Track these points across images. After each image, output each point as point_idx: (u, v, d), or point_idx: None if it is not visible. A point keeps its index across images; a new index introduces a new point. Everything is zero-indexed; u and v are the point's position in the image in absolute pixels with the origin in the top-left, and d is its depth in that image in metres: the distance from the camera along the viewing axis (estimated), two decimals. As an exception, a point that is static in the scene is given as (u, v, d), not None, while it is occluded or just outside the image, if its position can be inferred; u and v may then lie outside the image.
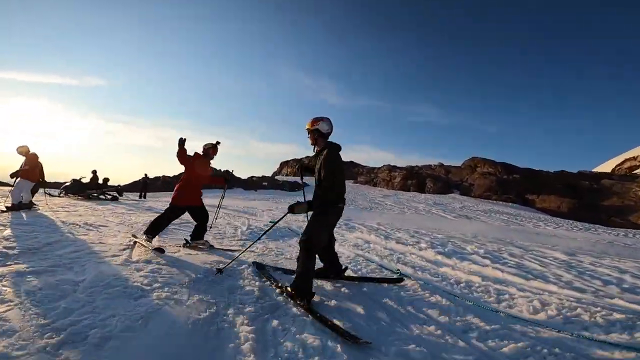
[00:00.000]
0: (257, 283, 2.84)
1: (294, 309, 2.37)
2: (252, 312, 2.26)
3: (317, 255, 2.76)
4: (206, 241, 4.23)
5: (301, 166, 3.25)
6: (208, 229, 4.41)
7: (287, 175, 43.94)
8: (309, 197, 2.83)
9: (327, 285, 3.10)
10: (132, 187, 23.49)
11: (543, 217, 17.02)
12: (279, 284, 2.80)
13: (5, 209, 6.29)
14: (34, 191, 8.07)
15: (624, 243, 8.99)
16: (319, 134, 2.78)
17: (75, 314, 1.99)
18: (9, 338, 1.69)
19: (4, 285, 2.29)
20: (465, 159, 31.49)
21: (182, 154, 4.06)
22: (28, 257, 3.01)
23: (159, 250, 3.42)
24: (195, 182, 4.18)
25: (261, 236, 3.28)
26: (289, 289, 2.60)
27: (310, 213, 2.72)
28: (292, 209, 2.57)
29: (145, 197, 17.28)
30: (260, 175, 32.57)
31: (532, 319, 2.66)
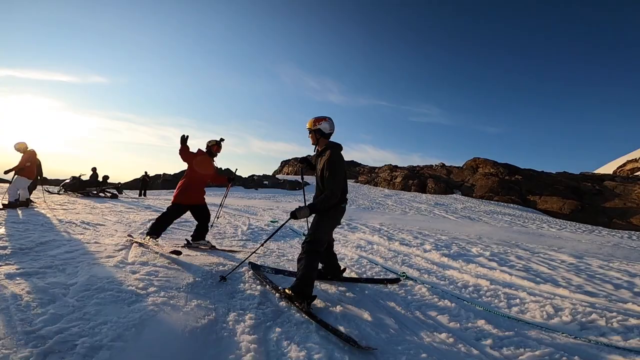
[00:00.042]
0: (258, 287, 2.70)
1: (297, 315, 2.24)
2: (254, 319, 2.13)
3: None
4: (208, 242, 4.09)
5: (305, 161, 3.13)
6: (209, 228, 4.28)
7: (287, 174, 43.82)
8: (309, 196, 2.76)
9: (332, 289, 2.97)
10: (133, 184, 23.37)
11: (545, 219, 16.87)
12: (276, 286, 2.71)
13: (1, 207, 6.16)
14: (31, 189, 7.95)
15: (630, 246, 8.85)
16: (320, 134, 2.71)
17: (63, 321, 1.86)
18: (-10, 347, 1.56)
19: (-10, 288, 2.17)
20: (467, 160, 31.33)
21: (184, 151, 3.94)
22: (19, 257, 2.88)
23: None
24: (199, 180, 4.04)
25: (264, 242, 3.13)
26: (287, 290, 2.52)
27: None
28: (295, 215, 2.49)
29: (145, 195, 17.15)
30: (261, 174, 32.46)
31: (546, 325, 2.57)
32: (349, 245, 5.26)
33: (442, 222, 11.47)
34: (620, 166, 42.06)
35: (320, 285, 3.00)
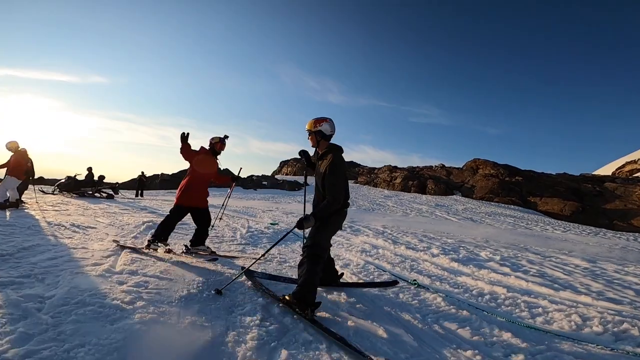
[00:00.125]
0: (259, 299, 2.42)
1: (305, 334, 1.98)
2: (256, 339, 1.86)
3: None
4: (207, 247, 3.79)
5: (305, 154, 3.01)
6: (211, 228, 4.01)
7: (287, 174, 43.53)
8: (309, 196, 2.68)
9: (340, 299, 2.73)
10: (131, 185, 23.01)
11: (548, 221, 16.69)
12: (277, 296, 2.51)
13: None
14: (22, 189, 7.66)
15: (638, 248, 8.66)
16: (321, 135, 2.60)
17: (33, 342, 1.60)
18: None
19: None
20: (467, 161, 31.15)
21: (185, 150, 3.70)
22: (-4, 264, 2.61)
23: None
24: (201, 180, 3.78)
25: (265, 253, 2.87)
26: (287, 297, 2.40)
27: None
28: (302, 225, 2.37)
29: (142, 196, 16.84)
30: (260, 174, 32.16)
31: (578, 336, 2.40)
32: (354, 250, 5.01)
33: (445, 224, 11.25)
34: (619, 167, 42.05)
35: (327, 295, 2.74)
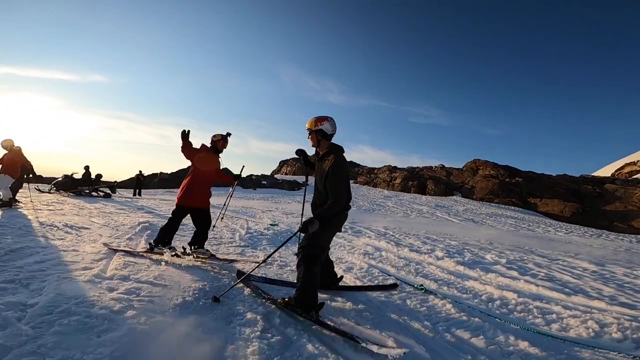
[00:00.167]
0: (259, 308, 2.26)
1: (310, 347, 1.82)
2: (257, 354, 1.70)
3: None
4: (207, 250, 3.61)
5: (302, 153, 2.96)
6: (212, 228, 3.86)
7: (286, 174, 43.35)
8: (310, 196, 2.64)
9: (346, 306, 2.58)
10: (129, 183, 22.76)
11: (549, 222, 16.58)
12: (276, 300, 2.41)
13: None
14: (17, 187, 7.48)
15: (642, 251, 8.55)
16: (322, 135, 2.53)
17: (11, 355, 1.45)
18: None
19: None
20: (467, 161, 31.05)
21: (187, 148, 3.54)
22: (-21, 268, 2.44)
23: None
24: (203, 179, 3.62)
25: (267, 257, 2.72)
26: (285, 299, 2.34)
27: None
28: (306, 229, 2.27)
29: (140, 195, 16.63)
30: (260, 174, 31.98)
31: (597, 344, 2.29)
32: (356, 252, 4.86)
33: (447, 225, 11.12)
34: (619, 169, 42.05)
35: (331, 303, 2.59)
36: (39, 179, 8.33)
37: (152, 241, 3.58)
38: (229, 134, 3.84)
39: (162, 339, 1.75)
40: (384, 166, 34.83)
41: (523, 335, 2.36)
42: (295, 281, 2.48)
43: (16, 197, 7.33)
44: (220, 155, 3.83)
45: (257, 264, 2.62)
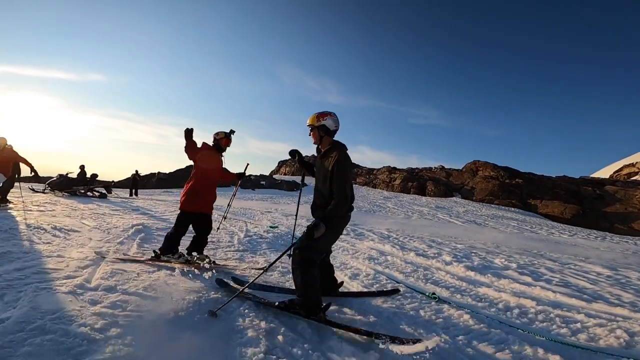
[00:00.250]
0: (262, 324, 2.01)
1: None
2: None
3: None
4: (206, 256, 3.37)
5: (297, 154, 2.87)
6: (217, 230, 3.63)
7: (285, 174, 43.10)
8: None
9: (356, 317, 2.36)
10: (126, 183, 22.44)
11: (551, 224, 16.43)
12: (276, 305, 2.29)
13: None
14: (8, 187, 7.22)
15: (649, 254, 8.38)
16: (325, 131, 2.42)
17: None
18: None
19: None
20: (466, 162, 30.93)
21: (191, 148, 3.32)
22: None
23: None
24: (208, 180, 3.40)
25: (269, 267, 2.50)
26: (286, 301, 2.26)
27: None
28: (312, 233, 2.15)
29: (136, 195, 16.32)
30: (258, 174, 31.71)
31: (632, 355, 2.13)
32: (360, 257, 4.63)
33: (450, 227, 10.92)
34: (617, 170, 42.11)
35: (340, 315, 2.36)
36: (36, 178, 8.11)
37: (157, 249, 3.36)
38: (232, 131, 3.61)
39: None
40: (383, 167, 34.65)
41: (551, 347, 2.19)
42: (294, 287, 2.32)
43: (7, 198, 7.07)
44: (223, 154, 3.62)
45: (257, 276, 2.40)
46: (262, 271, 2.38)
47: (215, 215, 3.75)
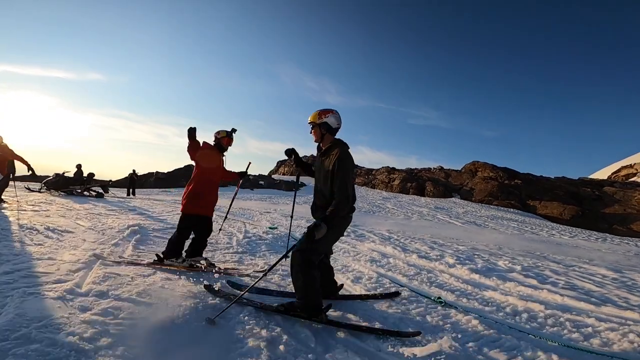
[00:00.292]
0: (263, 332, 1.89)
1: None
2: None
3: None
4: (205, 258, 3.28)
5: (293, 153, 2.77)
6: (219, 232, 3.52)
7: (284, 174, 42.98)
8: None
9: (361, 323, 2.24)
10: (123, 183, 22.24)
11: (551, 225, 16.40)
12: (271, 306, 2.24)
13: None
14: (2, 186, 7.07)
15: (651, 255, 8.33)
16: (326, 128, 2.36)
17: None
18: None
19: None
20: (466, 163, 30.92)
21: (193, 147, 3.21)
22: None
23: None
24: (210, 181, 3.31)
25: (269, 270, 2.40)
26: (285, 304, 2.21)
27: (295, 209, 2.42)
28: (314, 235, 2.08)
29: (134, 195, 16.16)
30: (257, 174, 31.56)
31: None
32: (362, 259, 4.53)
33: (450, 228, 10.84)
34: (615, 172, 42.24)
35: (348, 322, 2.25)
36: (35, 177, 7.98)
37: (160, 253, 3.25)
38: (234, 130, 3.51)
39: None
40: (383, 167, 34.59)
41: (565, 353, 2.11)
42: (294, 290, 2.24)
43: (2, 197, 6.93)
44: (224, 153, 3.52)
45: (256, 280, 2.29)
46: (261, 275, 2.28)
47: (215, 216, 3.63)
